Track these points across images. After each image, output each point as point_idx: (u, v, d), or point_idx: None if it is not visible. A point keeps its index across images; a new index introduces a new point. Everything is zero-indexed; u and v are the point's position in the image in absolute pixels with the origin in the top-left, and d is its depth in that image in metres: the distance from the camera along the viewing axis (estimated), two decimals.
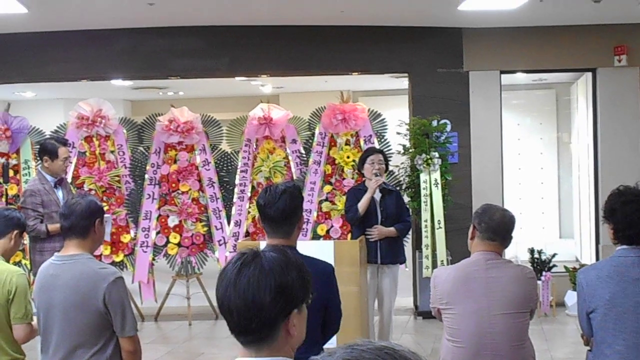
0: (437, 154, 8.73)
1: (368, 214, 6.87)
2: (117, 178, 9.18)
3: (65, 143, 7.44)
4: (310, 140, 9.24)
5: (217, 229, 9.20)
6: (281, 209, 3.49)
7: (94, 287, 3.72)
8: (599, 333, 3.75)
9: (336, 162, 9.11)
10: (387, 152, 8.85)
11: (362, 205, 6.82)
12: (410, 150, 8.94)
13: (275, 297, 2.01)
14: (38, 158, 7.55)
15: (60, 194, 7.14)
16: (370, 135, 9.12)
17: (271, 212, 3.51)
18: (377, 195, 6.94)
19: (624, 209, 3.75)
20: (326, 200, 9.12)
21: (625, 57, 9.26)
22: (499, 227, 4.01)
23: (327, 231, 9.07)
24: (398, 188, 8.65)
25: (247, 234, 9.09)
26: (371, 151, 7.22)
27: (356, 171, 8.54)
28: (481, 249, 4.04)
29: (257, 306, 2.00)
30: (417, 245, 9.04)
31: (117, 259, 9.07)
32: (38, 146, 7.82)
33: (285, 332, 2.05)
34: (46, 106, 13.95)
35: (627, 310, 3.66)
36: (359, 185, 7.14)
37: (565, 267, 9.29)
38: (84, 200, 3.89)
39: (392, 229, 6.89)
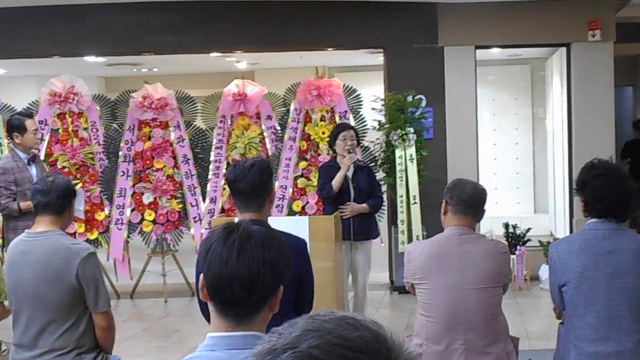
0: (412, 130, 8.73)
1: (341, 190, 6.79)
2: (90, 155, 9.10)
3: (30, 115, 7.38)
4: (286, 117, 9.20)
5: (192, 206, 9.17)
6: (251, 182, 3.47)
7: (67, 262, 3.70)
8: (571, 306, 3.78)
9: (311, 138, 9.09)
10: (362, 128, 8.87)
11: (336, 182, 6.75)
12: (386, 126, 8.93)
13: (272, 271, 2.06)
14: (9, 137, 7.47)
15: (33, 171, 7.07)
16: (346, 111, 9.09)
17: (242, 186, 3.49)
18: (350, 172, 6.85)
19: (595, 182, 3.77)
20: (302, 176, 9.10)
21: (599, 32, 9.27)
22: (470, 200, 4.02)
23: (303, 207, 9.07)
24: (373, 164, 8.67)
25: (223, 210, 9.06)
26: (342, 127, 7.13)
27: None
28: (454, 223, 4.05)
29: (261, 278, 2.04)
30: (393, 220, 9.06)
31: (92, 237, 9.01)
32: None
33: (269, 308, 2.08)
34: (18, 83, 13.77)
35: (598, 282, 3.69)
36: (330, 162, 7.06)
37: (540, 242, 9.36)
38: (63, 179, 3.88)
39: (364, 205, 6.83)
